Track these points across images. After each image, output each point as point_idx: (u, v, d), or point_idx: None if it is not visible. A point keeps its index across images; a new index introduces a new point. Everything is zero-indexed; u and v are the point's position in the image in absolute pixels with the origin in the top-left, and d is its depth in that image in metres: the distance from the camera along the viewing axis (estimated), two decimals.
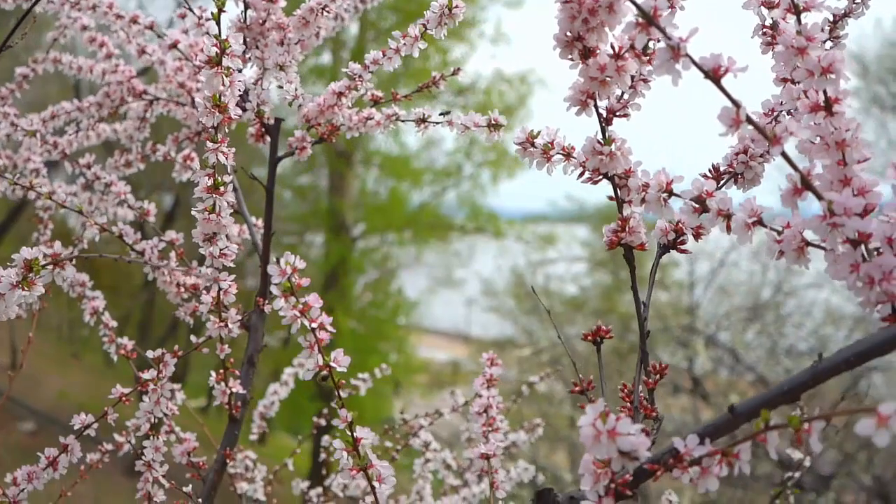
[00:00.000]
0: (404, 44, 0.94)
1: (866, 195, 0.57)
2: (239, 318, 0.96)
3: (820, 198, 0.54)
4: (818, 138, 0.58)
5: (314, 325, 0.66)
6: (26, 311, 1.30)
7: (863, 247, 0.56)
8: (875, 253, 0.55)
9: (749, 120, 0.53)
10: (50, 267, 0.70)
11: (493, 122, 0.88)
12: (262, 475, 1.40)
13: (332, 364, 0.67)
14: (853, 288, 0.55)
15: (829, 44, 0.78)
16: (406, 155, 12.30)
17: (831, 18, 0.78)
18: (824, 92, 0.57)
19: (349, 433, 0.69)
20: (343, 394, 0.70)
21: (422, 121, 1.00)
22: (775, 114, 0.73)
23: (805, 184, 0.55)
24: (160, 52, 1.19)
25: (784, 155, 0.54)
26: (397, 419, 1.47)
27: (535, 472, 1.40)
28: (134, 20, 1.16)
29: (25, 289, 0.71)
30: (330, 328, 0.67)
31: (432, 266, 12.86)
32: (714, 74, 0.54)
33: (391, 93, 1.04)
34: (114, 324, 1.14)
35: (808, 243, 0.58)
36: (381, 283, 12.19)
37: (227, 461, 1.04)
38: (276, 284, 0.65)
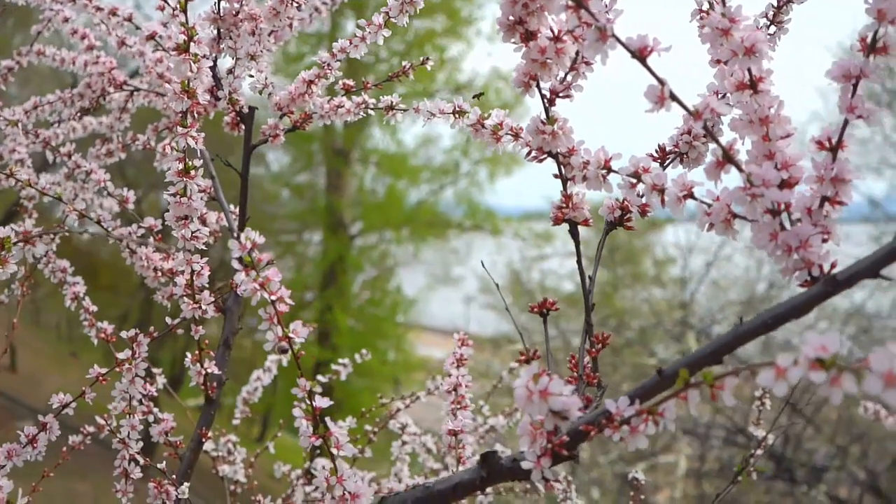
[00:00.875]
0: (369, 31, 0.97)
1: (789, 169, 0.60)
2: (212, 299, 0.99)
3: (741, 170, 0.57)
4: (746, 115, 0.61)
5: (273, 297, 0.69)
6: (8, 298, 1.34)
7: (785, 216, 0.59)
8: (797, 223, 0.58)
9: (673, 97, 0.56)
10: (21, 244, 0.73)
11: (457, 109, 0.91)
12: (241, 456, 1.43)
13: (291, 335, 0.70)
14: (773, 255, 0.58)
15: (772, 28, 0.81)
16: (403, 153, 12.33)
17: (776, 3, 0.81)
18: (749, 71, 0.60)
19: (308, 402, 0.72)
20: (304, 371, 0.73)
21: (389, 108, 1.03)
22: (719, 95, 0.76)
23: (727, 157, 0.58)
24: (139, 44, 1.22)
25: (707, 129, 0.57)
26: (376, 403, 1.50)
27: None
28: (113, 12, 1.19)
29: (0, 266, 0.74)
30: (289, 301, 0.70)
31: (430, 264, 12.88)
32: (640, 54, 0.57)
33: (362, 81, 1.07)
34: (94, 308, 1.17)
35: (735, 215, 0.61)
36: (379, 280, 12.22)
37: (203, 440, 1.07)
38: (236, 259, 0.68)
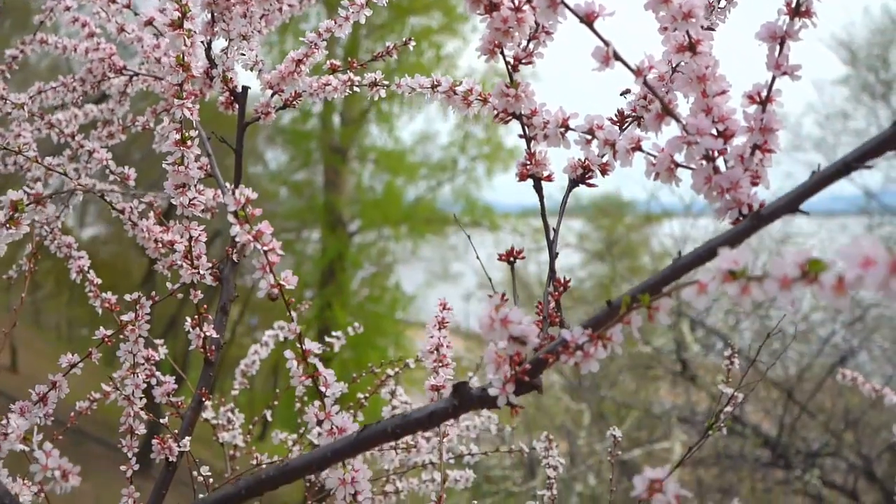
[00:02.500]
0: (353, 11, 1.04)
1: (725, 121, 0.67)
2: (209, 265, 1.06)
3: (678, 121, 0.64)
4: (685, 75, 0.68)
5: (266, 248, 0.76)
6: (17, 273, 1.40)
7: (722, 163, 0.66)
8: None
9: (616, 56, 0.63)
10: (33, 206, 0.80)
11: (435, 82, 0.97)
12: (239, 422, 1.51)
13: (283, 283, 0.77)
14: (709, 197, 0.65)
15: (723, 2, 0.88)
16: (401, 150, 12.40)
17: None
18: (687, 34, 0.67)
19: (299, 345, 0.79)
20: (293, 312, 0.80)
21: (374, 84, 1.10)
22: (674, 64, 0.83)
23: (665, 110, 0.65)
24: (138, 30, 1.29)
25: (647, 85, 0.64)
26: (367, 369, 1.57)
27: (497, 422, 1.50)
28: (112, 0, 1.25)
29: (12, 227, 0.81)
30: (280, 251, 0.77)
31: (429, 260, 12.95)
32: (588, 19, 0.63)
33: (348, 61, 1.14)
34: (98, 281, 1.23)
35: (677, 164, 0.67)
36: (378, 277, 12.28)
37: (203, 399, 1.14)
38: (231, 213, 0.75)
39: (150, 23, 1.19)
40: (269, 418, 1.59)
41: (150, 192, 1.29)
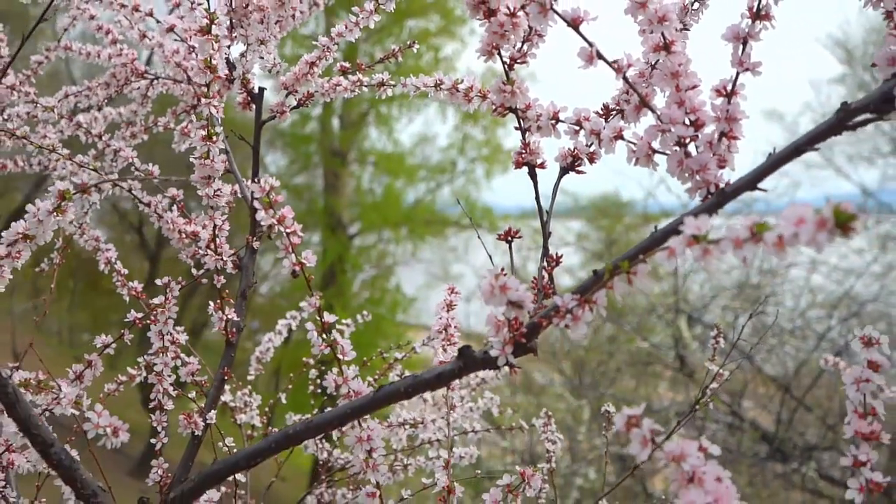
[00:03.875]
0: (362, 17, 1.13)
1: (696, 112, 0.76)
2: (232, 252, 1.15)
3: (654, 112, 0.73)
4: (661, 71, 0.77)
5: (289, 230, 0.85)
6: (48, 266, 1.49)
7: (693, 148, 0.75)
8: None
9: (599, 55, 0.72)
10: (79, 194, 0.89)
11: (438, 81, 1.06)
12: (256, 403, 1.60)
13: (303, 261, 0.86)
14: (681, 178, 0.74)
15: (696, 4, 0.97)
16: (400, 152, 12.49)
17: None
18: (662, 35, 0.76)
19: (319, 318, 0.88)
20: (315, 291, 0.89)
21: (381, 84, 1.19)
22: (652, 62, 0.92)
23: (642, 102, 0.74)
24: (159, 37, 1.38)
25: (626, 80, 0.73)
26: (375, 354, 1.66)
27: (499, 402, 1.59)
28: (136, 8, 1.35)
29: (59, 215, 0.90)
30: (300, 234, 0.86)
31: (429, 262, 13.03)
32: (574, 23, 0.73)
33: (356, 63, 1.24)
34: (125, 271, 1.32)
35: (654, 150, 0.77)
36: (378, 280, 12.35)
37: (225, 378, 1.23)
38: (256, 199, 0.84)
39: (171, 30, 1.28)
40: (284, 400, 1.68)
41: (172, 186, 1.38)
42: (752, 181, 0.68)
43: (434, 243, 12.85)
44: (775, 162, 0.67)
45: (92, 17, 1.46)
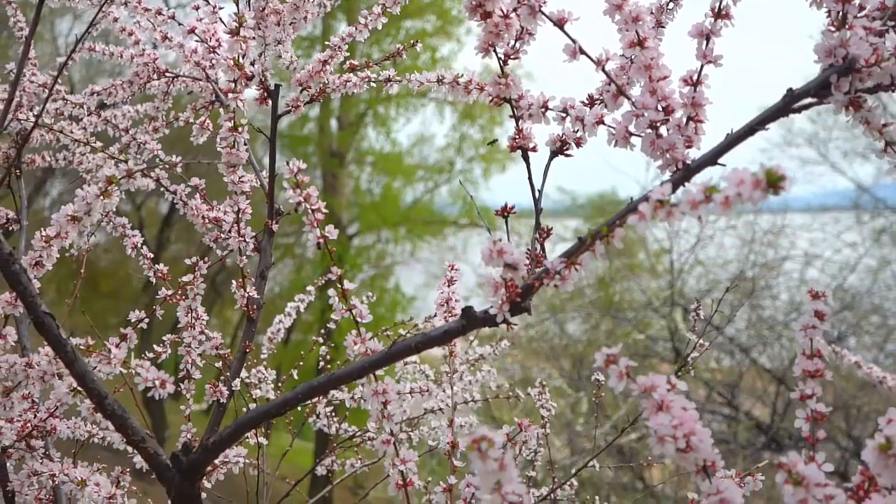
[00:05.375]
0: (371, 20, 1.25)
1: (667, 100, 0.87)
2: (254, 234, 1.26)
3: (630, 100, 0.85)
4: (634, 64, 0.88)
5: (314, 207, 0.96)
6: (77, 252, 1.60)
7: (665, 131, 0.86)
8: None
9: (581, 51, 0.84)
10: (125, 179, 1.00)
11: (440, 77, 1.18)
12: (271, 377, 1.71)
13: (327, 234, 0.97)
14: (653, 157, 0.85)
15: (671, 4, 1.08)
16: (398, 152, 12.61)
17: None
18: (637, 33, 0.87)
19: (340, 286, 0.99)
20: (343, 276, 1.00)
21: (388, 80, 1.31)
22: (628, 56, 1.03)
23: (620, 91, 0.85)
24: (180, 38, 1.49)
25: (605, 72, 0.85)
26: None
27: (496, 375, 1.71)
28: (158, 12, 1.46)
29: (106, 198, 1.01)
30: (324, 210, 0.97)
31: (427, 262, 13.13)
32: (560, 23, 0.84)
33: (365, 61, 1.35)
34: (150, 255, 1.43)
35: (630, 133, 0.88)
36: (377, 280, 12.45)
37: (247, 350, 1.34)
38: (286, 179, 0.95)
39: (192, 31, 1.39)
40: (296, 377, 1.79)
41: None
42: (712, 158, 0.80)
43: (433, 243, 12.96)
44: (733, 140, 0.79)
45: (116, 20, 1.57)
